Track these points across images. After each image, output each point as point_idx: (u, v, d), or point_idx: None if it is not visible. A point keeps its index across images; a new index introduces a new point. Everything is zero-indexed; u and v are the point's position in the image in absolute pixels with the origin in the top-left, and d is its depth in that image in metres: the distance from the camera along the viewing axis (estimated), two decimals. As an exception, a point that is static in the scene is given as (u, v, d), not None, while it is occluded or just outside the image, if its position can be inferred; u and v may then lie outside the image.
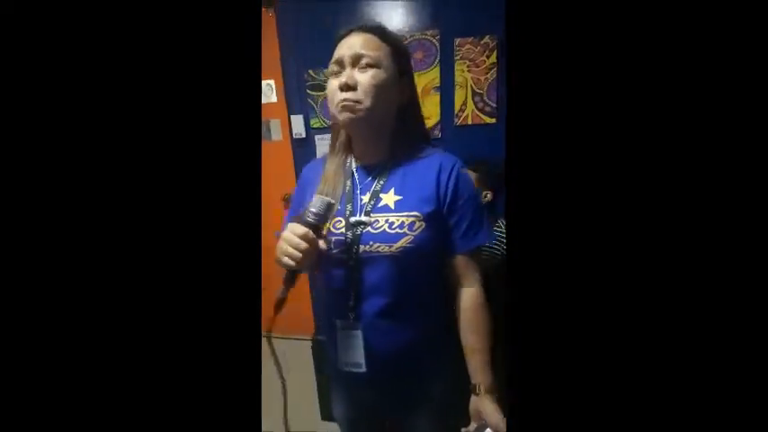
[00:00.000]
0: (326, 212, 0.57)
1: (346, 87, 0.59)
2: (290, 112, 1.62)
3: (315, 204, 0.56)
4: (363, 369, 0.64)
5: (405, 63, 0.65)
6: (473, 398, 0.64)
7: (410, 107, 0.67)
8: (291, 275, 0.56)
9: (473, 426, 0.64)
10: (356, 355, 0.64)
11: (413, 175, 0.64)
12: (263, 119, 2.01)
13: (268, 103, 1.93)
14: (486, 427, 0.62)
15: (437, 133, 1.40)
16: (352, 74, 0.59)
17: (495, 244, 1.14)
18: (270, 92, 2.04)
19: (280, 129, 1.85)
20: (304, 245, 0.54)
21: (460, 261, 0.65)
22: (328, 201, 0.57)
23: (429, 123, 1.39)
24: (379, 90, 0.59)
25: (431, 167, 0.63)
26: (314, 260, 0.57)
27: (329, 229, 0.63)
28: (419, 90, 1.39)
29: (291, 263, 0.54)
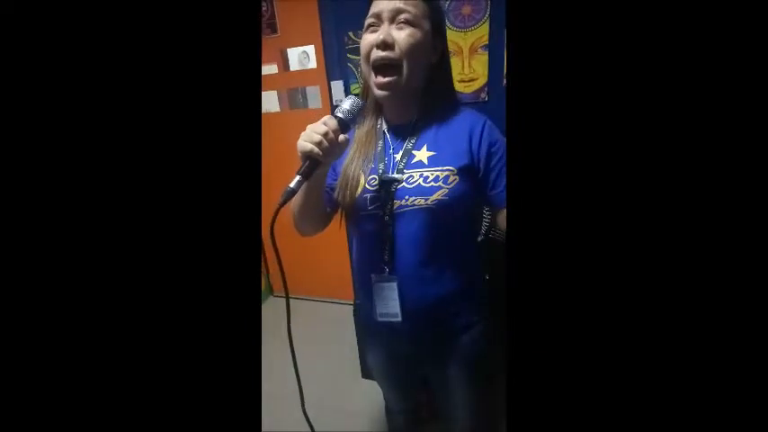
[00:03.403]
0: (357, 111, 0.59)
1: (384, 45, 0.58)
2: (330, 78, 1.59)
3: (347, 102, 0.59)
4: (399, 318, 0.66)
5: (439, 21, 0.65)
6: None
7: (441, 66, 0.66)
8: (308, 167, 0.54)
9: None
10: (392, 306, 0.66)
11: (445, 131, 0.64)
12: (299, 87, 2.00)
13: (304, 70, 1.92)
14: None
15: (484, 96, 1.33)
16: (389, 30, 0.58)
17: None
18: (306, 59, 2.02)
19: (319, 96, 1.84)
20: (326, 130, 0.53)
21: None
22: (360, 101, 0.60)
23: (476, 85, 1.33)
24: (416, 50, 0.59)
25: (462, 124, 0.64)
26: (333, 154, 0.56)
27: (365, 186, 0.64)
28: (466, 49, 1.32)
29: (310, 146, 0.53)
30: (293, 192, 0.53)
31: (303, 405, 0.62)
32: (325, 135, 0.53)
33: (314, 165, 0.54)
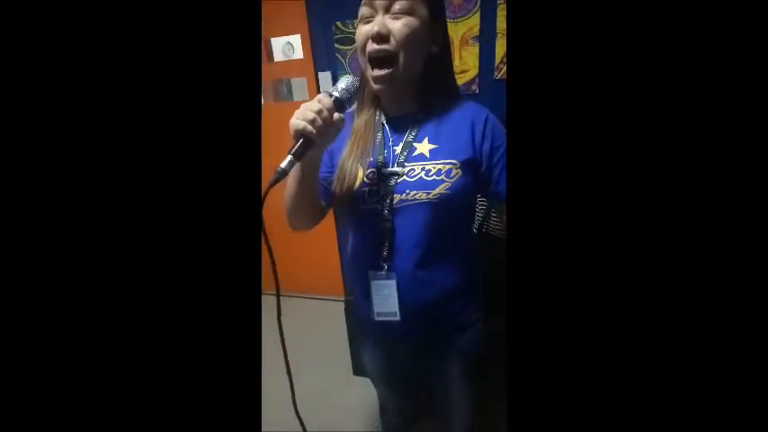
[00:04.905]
0: (354, 91, 0.57)
1: (379, 37, 0.56)
2: (318, 68, 1.55)
3: (343, 81, 0.57)
4: (398, 317, 0.64)
5: (438, 8, 0.61)
6: None
7: (441, 56, 0.63)
8: (301, 146, 0.51)
9: None
10: (390, 304, 0.64)
11: (446, 124, 0.63)
12: (284, 78, 1.95)
13: (290, 61, 1.87)
14: None
15: (474, 88, 1.32)
16: (384, 21, 0.56)
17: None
18: (290, 50, 1.97)
19: (305, 88, 1.79)
20: (320, 108, 0.51)
21: None
22: (357, 81, 0.58)
23: (467, 77, 1.31)
24: (412, 40, 0.56)
25: (463, 117, 0.63)
26: (327, 134, 0.53)
27: (363, 180, 0.62)
28: (457, 41, 1.30)
29: (303, 123, 0.51)
30: (284, 172, 0.50)
31: (295, 404, 0.59)
32: (319, 113, 0.51)
33: (307, 144, 0.51)
